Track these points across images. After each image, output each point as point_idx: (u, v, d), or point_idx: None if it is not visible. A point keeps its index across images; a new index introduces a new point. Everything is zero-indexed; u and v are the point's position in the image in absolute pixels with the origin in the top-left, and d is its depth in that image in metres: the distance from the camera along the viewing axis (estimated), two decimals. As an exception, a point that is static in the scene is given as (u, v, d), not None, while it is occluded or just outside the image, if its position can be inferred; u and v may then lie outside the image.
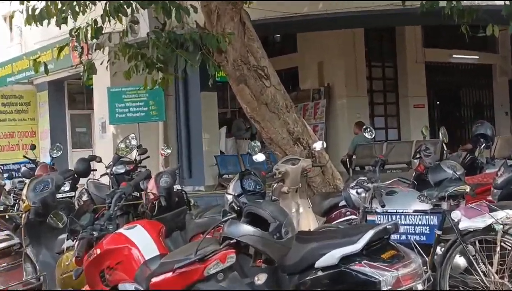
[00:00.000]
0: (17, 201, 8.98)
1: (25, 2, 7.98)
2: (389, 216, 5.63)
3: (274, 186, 6.82)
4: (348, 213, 6.54)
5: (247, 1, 8.99)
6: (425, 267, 4.42)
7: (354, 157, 13.42)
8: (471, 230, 5.15)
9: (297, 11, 11.97)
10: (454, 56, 18.89)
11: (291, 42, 17.52)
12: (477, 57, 19.53)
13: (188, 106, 14.18)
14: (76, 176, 7.60)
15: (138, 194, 6.39)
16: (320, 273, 4.16)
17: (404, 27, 16.96)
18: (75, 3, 7.75)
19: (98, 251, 4.25)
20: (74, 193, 8.22)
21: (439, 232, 5.40)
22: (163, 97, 13.89)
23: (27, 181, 8.48)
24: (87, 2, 8.09)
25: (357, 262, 4.10)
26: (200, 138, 14.12)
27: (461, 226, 5.16)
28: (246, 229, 3.70)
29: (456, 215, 5.18)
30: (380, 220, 5.57)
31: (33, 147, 12.01)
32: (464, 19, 8.84)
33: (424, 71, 18.06)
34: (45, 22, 7.93)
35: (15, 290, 4.96)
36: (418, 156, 7.19)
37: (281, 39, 18.26)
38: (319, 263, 4.14)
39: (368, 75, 17.44)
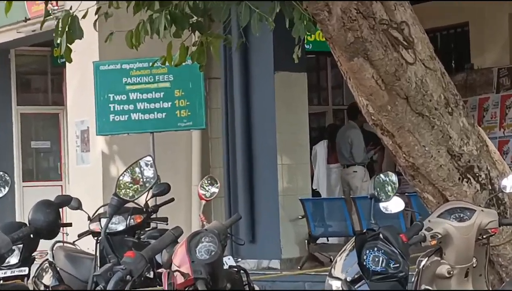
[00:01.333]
0: None
1: None
2: None
3: (423, 263, 6.77)
4: None
5: None
6: None
7: None
8: None
9: None
10: None
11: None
12: None
13: (251, 99, 14.39)
14: (32, 236, 7.73)
15: (153, 273, 6.46)
16: None
17: None
18: None
19: None
20: (27, 268, 8.38)
21: None
22: (202, 84, 14.15)
23: None
24: None
25: None
26: (274, 162, 14.29)
27: None
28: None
29: None
30: None
31: None
32: None
33: None
34: None
35: None
36: None
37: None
38: None
39: None
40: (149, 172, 6.47)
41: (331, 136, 16.75)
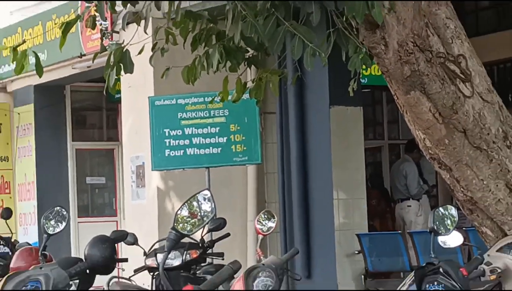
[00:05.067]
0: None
1: None
2: None
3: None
4: None
5: None
6: None
7: None
8: None
9: None
10: None
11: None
12: None
13: (306, 134, 14.30)
14: (88, 271, 7.76)
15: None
16: None
17: None
18: None
19: None
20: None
21: None
22: (257, 119, 14.10)
23: (-2, 278, 8.78)
24: None
25: None
26: (330, 196, 14.19)
27: None
28: None
29: None
30: None
31: (7, 214, 12.34)
32: None
33: None
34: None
35: None
36: None
37: (492, 4, 17.99)
38: None
39: None
40: (206, 206, 6.46)
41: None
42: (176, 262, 8.23)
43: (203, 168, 13.76)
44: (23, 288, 6.51)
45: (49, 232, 8.71)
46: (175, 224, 6.44)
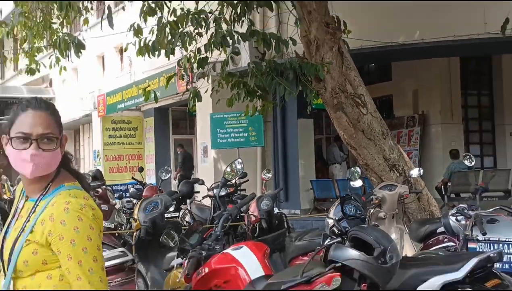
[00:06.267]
0: (128, 219, 9.27)
1: (139, 35, 8.31)
2: (491, 244, 5.41)
3: (371, 211, 6.69)
4: (446, 239, 6.33)
5: (346, 31, 8.95)
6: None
7: (449, 184, 13.01)
8: None
9: (394, 40, 11.80)
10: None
11: (386, 70, 17.27)
12: None
13: (286, 132, 14.18)
14: (180, 198, 7.74)
15: (238, 216, 6.44)
16: (421, 299, 4.04)
17: (501, 55, 16.36)
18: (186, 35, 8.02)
19: (207, 269, 4.29)
20: (178, 213, 8.39)
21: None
22: (262, 124, 13.98)
23: (135, 201, 8.76)
24: (194, 35, 8.34)
25: (459, 289, 3.96)
26: (297, 163, 14.07)
27: None
28: (351, 253, 3.65)
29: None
30: (481, 248, 5.38)
31: (141, 169, 12.35)
32: None
33: (522, 99, 17.32)
34: (156, 53, 8.24)
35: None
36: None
37: (375, 67, 17.97)
38: (420, 289, 4.03)
39: (463, 103, 16.91)
40: (239, 166, 6.41)
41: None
42: (223, 193, 8.16)
43: (235, 148, 13.72)
44: (148, 207, 6.46)
45: (162, 178, 8.69)
46: (225, 175, 6.40)
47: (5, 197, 11.05)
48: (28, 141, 2.28)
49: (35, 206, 2.34)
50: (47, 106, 2.37)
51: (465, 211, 5.69)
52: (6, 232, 2.40)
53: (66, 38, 8.24)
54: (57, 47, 8.34)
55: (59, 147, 2.36)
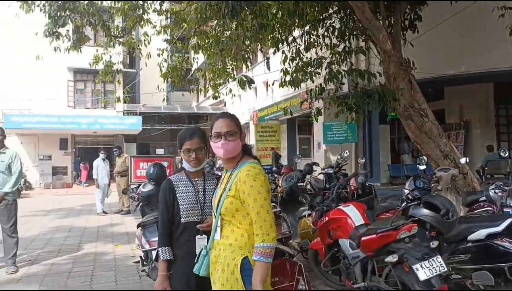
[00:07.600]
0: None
1: (283, 72, 8.47)
2: (521, 210, 4.97)
3: (432, 185, 6.36)
4: (486, 205, 5.89)
5: (414, 68, 8.54)
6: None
7: (486, 168, 12.04)
8: None
9: (447, 72, 11.16)
10: None
11: (440, 92, 16.10)
12: None
13: (371, 133, 13.76)
14: (303, 174, 7.78)
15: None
16: (470, 244, 3.88)
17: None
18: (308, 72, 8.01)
19: (327, 218, 4.35)
20: (303, 183, 8.42)
21: None
22: (356, 128, 13.57)
23: (276, 175, 8.80)
24: (314, 73, 8.33)
25: (499, 239, 3.72)
26: (378, 153, 13.63)
27: None
28: (425, 211, 3.53)
29: None
30: (513, 212, 4.95)
31: (279, 157, 12.58)
32: None
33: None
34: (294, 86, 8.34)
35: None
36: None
37: (434, 90, 16.77)
38: (470, 237, 3.86)
39: (496, 113, 15.49)
40: (345, 155, 6.24)
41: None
42: (331, 171, 7.54)
43: (338, 144, 13.45)
44: (287, 178, 6.46)
45: (296, 161, 8.48)
46: (337, 160, 6.25)
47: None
48: (220, 136, 2.44)
49: (231, 174, 2.48)
50: (228, 116, 2.55)
51: (502, 186, 5.29)
52: (215, 192, 2.59)
53: (244, 79, 8.60)
54: (239, 83, 8.71)
55: (239, 139, 2.49)
